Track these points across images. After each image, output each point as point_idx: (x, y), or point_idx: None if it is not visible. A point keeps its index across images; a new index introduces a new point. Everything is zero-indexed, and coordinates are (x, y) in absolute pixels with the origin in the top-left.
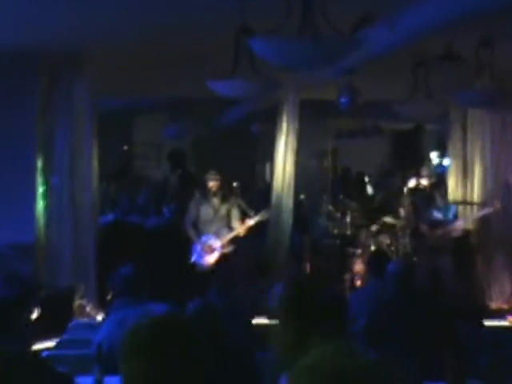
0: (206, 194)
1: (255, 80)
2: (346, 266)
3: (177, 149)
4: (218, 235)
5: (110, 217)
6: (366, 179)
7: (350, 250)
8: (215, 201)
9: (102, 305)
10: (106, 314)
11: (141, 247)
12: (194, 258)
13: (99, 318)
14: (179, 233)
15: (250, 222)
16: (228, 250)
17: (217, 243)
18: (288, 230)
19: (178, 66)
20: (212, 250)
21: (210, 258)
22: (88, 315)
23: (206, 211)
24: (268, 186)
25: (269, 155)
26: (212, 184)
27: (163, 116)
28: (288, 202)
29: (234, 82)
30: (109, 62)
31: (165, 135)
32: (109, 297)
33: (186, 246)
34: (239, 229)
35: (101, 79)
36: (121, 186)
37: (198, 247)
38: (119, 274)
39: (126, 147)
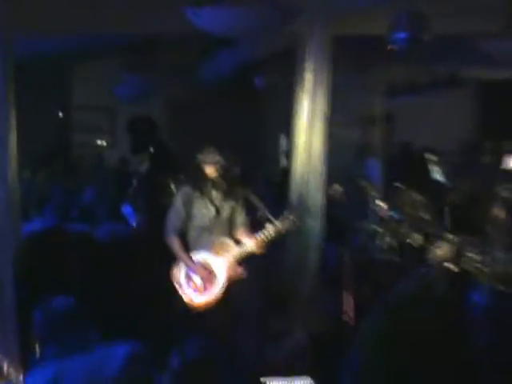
0: (199, 184)
1: (257, 5)
2: None
3: (142, 116)
4: (220, 252)
5: (37, 223)
6: (437, 159)
7: (415, 269)
8: (216, 195)
9: (26, 361)
10: (28, 373)
11: (86, 270)
12: (181, 290)
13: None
14: (151, 248)
15: (269, 231)
16: (238, 277)
17: (219, 267)
18: (316, 241)
19: None
20: (210, 280)
21: (208, 293)
22: (5, 378)
23: (201, 212)
24: (284, 173)
25: (284, 124)
26: (211, 169)
27: (117, 64)
28: (315, 198)
29: (222, 10)
30: None
31: (120, 94)
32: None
33: (164, 270)
34: (250, 243)
35: (19, 7)
36: (54, 174)
37: (190, 273)
38: (49, 310)
39: (60, 114)
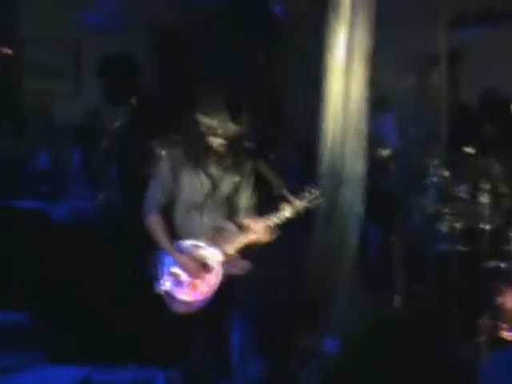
0: (193, 147)
1: None
2: (483, 299)
3: (117, 55)
4: (215, 240)
5: None
6: None
7: (492, 264)
8: (214, 163)
9: None
10: None
11: (38, 261)
12: (161, 287)
13: None
14: (125, 233)
15: (288, 213)
16: (237, 272)
17: (214, 259)
18: (355, 224)
19: None
20: (200, 276)
21: (195, 293)
22: None
23: (193, 184)
24: (312, 135)
25: (313, 68)
26: (220, 142)
27: None
28: (354, 166)
29: None
30: None
31: (88, 23)
32: None
33: (142, 259)
34: (256, 229)
35: None
36: None
37: (173, 266)
38: None
39: (6, 50)
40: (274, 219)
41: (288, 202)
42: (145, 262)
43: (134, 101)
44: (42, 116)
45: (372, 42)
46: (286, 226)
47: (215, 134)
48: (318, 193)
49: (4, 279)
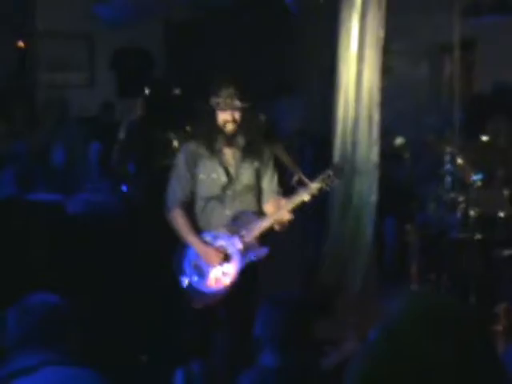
0: (209, 138)
1: None
2: (499, 287)
3: (131, 46)
4: (234, 228)
5: None
6: None
7: (507, 252)
8: (230, 155)
9: None
10: None
11: (55, 253)
12: (185, 282)
13: None
14: (145, 227)
15: (304, 196)
16: (256, 259)
17: (234, 247)
18: (369, 214)
19: None
20: (223, 265)
21: (218, 283)
22: None
23: (211, 177)
24: (325, 123)
25: (325, 55)
26: (227, 117)
27: None
28: (367, 153)
29: None
30: None
31: (101, 15)
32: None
33: (165, 253)
34: (281, 213)
35: None
36: (13, 126)
37: (197, 258)
38: (24, 308)
39: (20, 43)
40: (292, 202)
41: (304, 184)
42: (164, 256)
43: (147, 92)
44: (57, 108)
45: (384, 30)
46: (303, 218)
47: (221, 109)
48: (330, 173)
49: (19, 273)
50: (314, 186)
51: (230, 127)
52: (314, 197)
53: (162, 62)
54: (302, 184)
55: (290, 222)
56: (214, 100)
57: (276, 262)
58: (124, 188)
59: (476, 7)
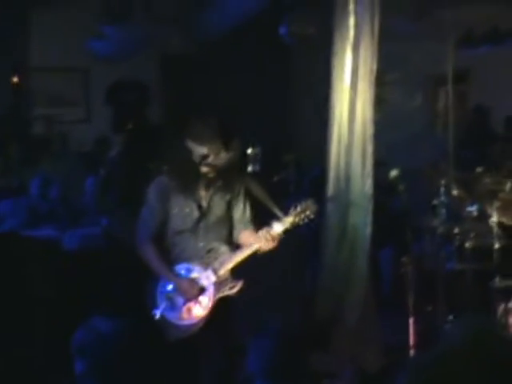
0: (181, 174)
1: None
2: (494, 317)
3: (127, 80)
4: (208, 261)
5: None
6: None
7: (502, 283)
8: (202, 189)
9: None
10: None
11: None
12: (157, 315)
13: None
14: (123, 259)
15: (277, 227)
16: (229, 292)
17: (208, 280)
18: (364, 246)
19: None
20: (196, 298)
21: (191, 316)
22: None
23: (183, 211)
24: (319, 154)
25: (319, 88)
26: (208, 169)
27: (91, 7)
28: (362, 186)
29: None
30: None
31: (96, 50)
32: None
33: (140, 285)
34: (253, 243)
35: None
36: (6, 162)
37: (167, 289)
38: None
39: (15, 78)
40: (273, 232)
41: (277, 218)
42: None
43: (130, 127)
44: (52, 143)
45: (377, 62)
46: (299, 250)
47: (207, 164)
48: (302, 207)
49: (17, 308)
50: (288, 219)
51: (211, 175)
52: (287, 231)
53: (158, 95)
54: (275, 216)
55: (275, 249)
56: (197, 150)
57: (271, 293)
58: (104, 221)
59: (469, 38)
